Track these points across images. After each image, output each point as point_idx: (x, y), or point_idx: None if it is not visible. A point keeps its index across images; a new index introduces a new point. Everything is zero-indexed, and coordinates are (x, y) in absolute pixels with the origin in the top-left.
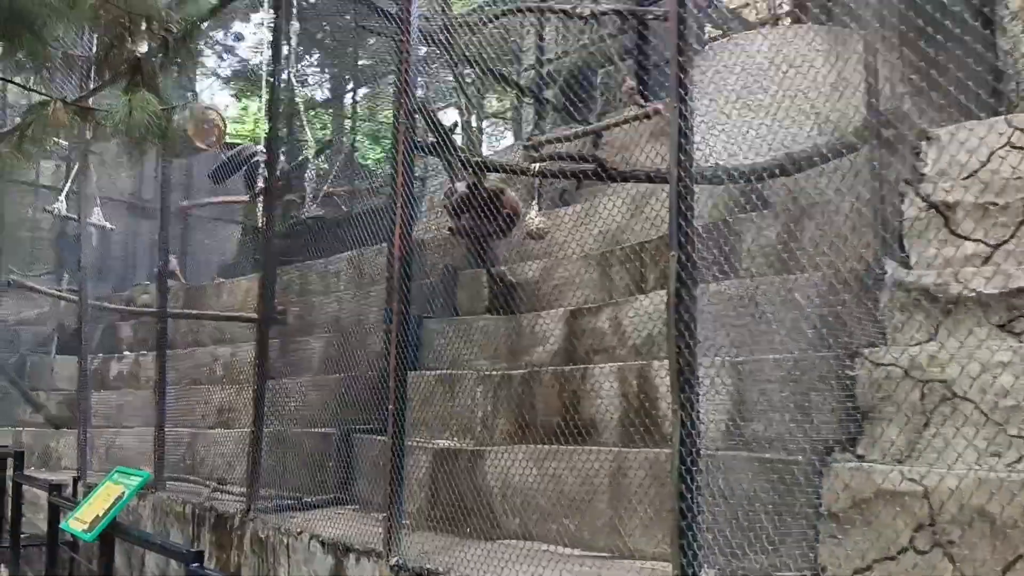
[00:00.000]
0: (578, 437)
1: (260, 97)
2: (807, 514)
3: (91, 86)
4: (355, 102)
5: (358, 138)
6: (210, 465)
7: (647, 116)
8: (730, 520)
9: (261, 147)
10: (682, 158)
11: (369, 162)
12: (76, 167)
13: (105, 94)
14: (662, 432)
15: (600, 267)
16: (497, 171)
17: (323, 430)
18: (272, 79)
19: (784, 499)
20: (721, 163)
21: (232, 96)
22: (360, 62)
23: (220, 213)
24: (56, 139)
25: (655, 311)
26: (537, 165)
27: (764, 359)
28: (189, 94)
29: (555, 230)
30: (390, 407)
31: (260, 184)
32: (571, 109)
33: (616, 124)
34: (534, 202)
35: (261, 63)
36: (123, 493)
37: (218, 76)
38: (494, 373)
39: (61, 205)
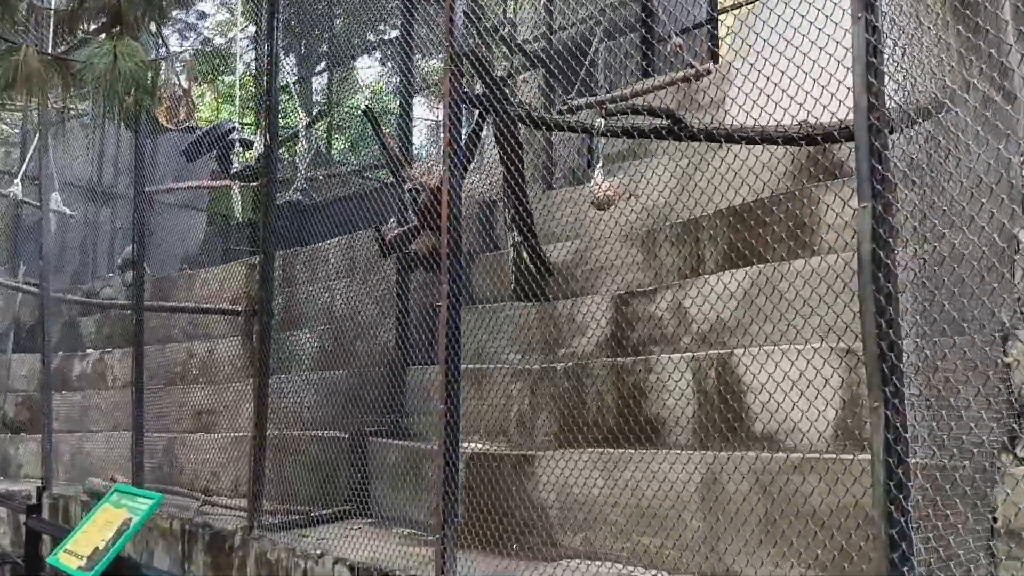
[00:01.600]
0: (641, 438)
1: (222, 78)
2: (978, 531)
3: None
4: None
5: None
6: (191, 473)
7: (698, 76)
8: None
9: (237, 124)
10: (872, 82)
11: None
12: (36, 142)
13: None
14: (751, 432)
15: (645, 247)
16: (555, 128)
17: (327, 433)
18: (269, 49)
19: (953, 513)
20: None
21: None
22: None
23: (186, 200)
24: (23, 95)
25: (726, 293)
26: (602, 121)
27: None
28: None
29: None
30: (441, 407)
31: (236, 165)
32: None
33: (665, 85)
34: (598, 166)
35: (229, 41)
36: (128, 520)
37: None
38: (531, 366)
39: (17, 189)
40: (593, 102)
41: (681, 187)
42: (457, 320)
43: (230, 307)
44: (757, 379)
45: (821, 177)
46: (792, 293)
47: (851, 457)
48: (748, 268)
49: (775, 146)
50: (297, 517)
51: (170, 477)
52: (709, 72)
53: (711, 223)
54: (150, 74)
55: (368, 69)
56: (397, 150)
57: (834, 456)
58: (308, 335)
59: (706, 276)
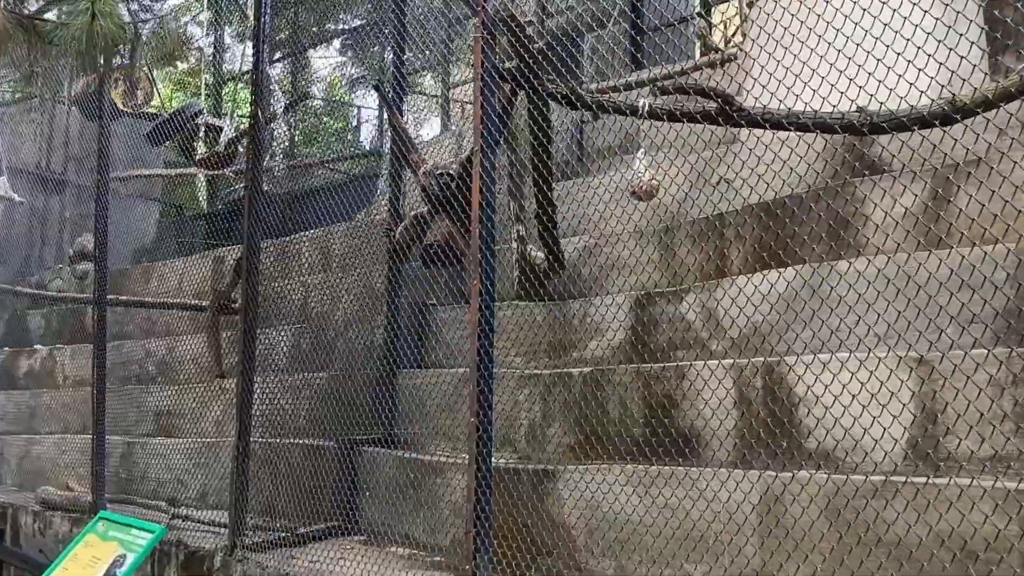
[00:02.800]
0: (674, 452)
1: (177, 64)
2: None
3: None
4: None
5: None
6: (154, 481)
7: (723, 62)
8: None
9: (203, 106)
10: None
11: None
12: None
13: None
14: (804, 448)
15: (662, 245)
16: (595, 109)
17: (311, 441)
18: (256, 14)
19: None
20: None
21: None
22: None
23: (138, 189)
24: None
25: (762, 296)
26: (646, 102)
27: (955, 354)
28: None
29: (599, 204)
30: (472, 420)
31: (203, 150)
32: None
33: (685, 72)
34: (640, 152)
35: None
36: (122, 557)
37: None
38: (541, 371)
39: None
40: (645, 80)
41: (697, 181)
42: (491, 322)
43: (196, 302)
44: (812, 390)
45: (863, 171)
46: (841, 297)
47: (945, 481)
48: (785, 269)
49: (817, 135)
50: (283, 535)
51: (129, 485)
52: (735, 58)
53: (737, 220)
54: (130, 35)
55: (334, 57)
56: (408, 131)
57: (924, 479)
58: (284, 334)
59: (735, 277)
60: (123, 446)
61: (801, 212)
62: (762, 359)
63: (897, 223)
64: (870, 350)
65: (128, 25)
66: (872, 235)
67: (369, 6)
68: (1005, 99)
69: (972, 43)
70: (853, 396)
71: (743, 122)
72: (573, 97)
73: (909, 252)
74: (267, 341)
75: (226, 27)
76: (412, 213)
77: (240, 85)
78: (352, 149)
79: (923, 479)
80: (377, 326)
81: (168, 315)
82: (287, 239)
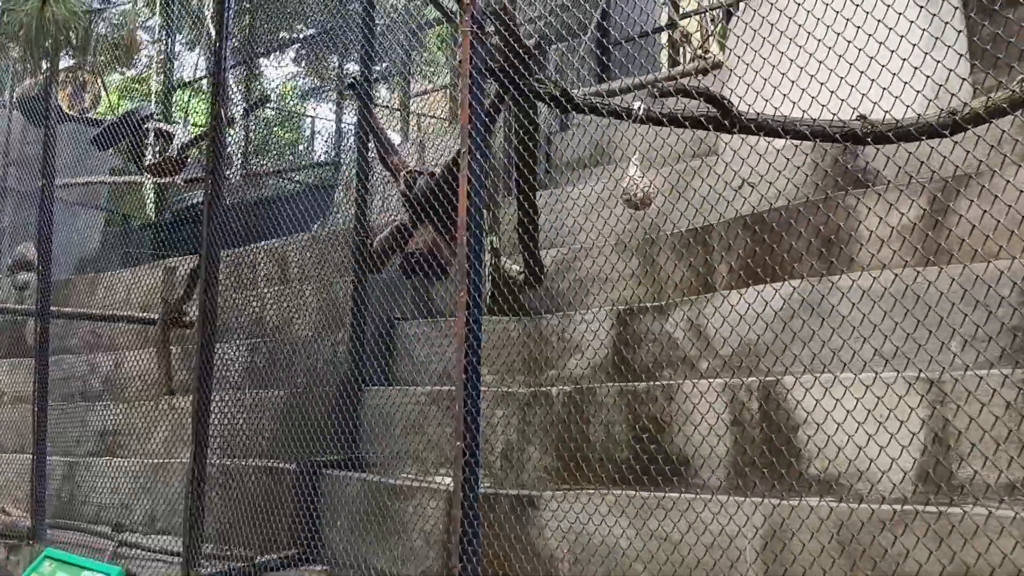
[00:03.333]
0: (663, 478)
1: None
2: None
3: None
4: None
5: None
6: (96, 505)
7: (706, 71)
8: None
9: (154, 110)
10: None
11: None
12: None
13: None
14: (804, 475)
15: (643, 258)
16: (588, 111)
17: (267, 463)
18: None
19: None
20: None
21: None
22: None
23: (84, 197)
24: None
25: (754, 312)
26: (641, 105)
27: (968, 377)
28: None
29: (566, 216)
30: (458, 445)
31: (151, 157)
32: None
33: (674, 78)
34: (633, 159)
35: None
36: None
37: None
38: (517, 390)
39: None
40: (643, 83)
41: (677, 193)
42: (479, 337)
43: (145, 315)
44: (812, 414)
45: (847, 185)
46: (840, 314)
47: (960, 512)
48: (781, 284)
49: (798, 148)
50: (239, 564)
51: (71, 509)
52: (720, 66)
53: (722, 232)
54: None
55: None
56: (385, 134)
57: (937, 511)
58: (239, 349)
59: (725, 292)
60: (64, 467)
61: (790, 225)
62: (757, 379)
63: (903, 237)
64: (876, 373)
65: (83, 13)
66: (867, 249)
67: (330, 14)
68: (1014, 107)
69: (960, 55)
70: (858, 421)
71: (738, 128)
72: (565, 99)
73: (908, 266)
74: (222, 356)
75: (177, 34)
76: (394, 223)
77: (190, 93)
78: (308, 159)
79: (935, 510)
80: (340, 341)
81: (115, 328)
82: (242, 250)
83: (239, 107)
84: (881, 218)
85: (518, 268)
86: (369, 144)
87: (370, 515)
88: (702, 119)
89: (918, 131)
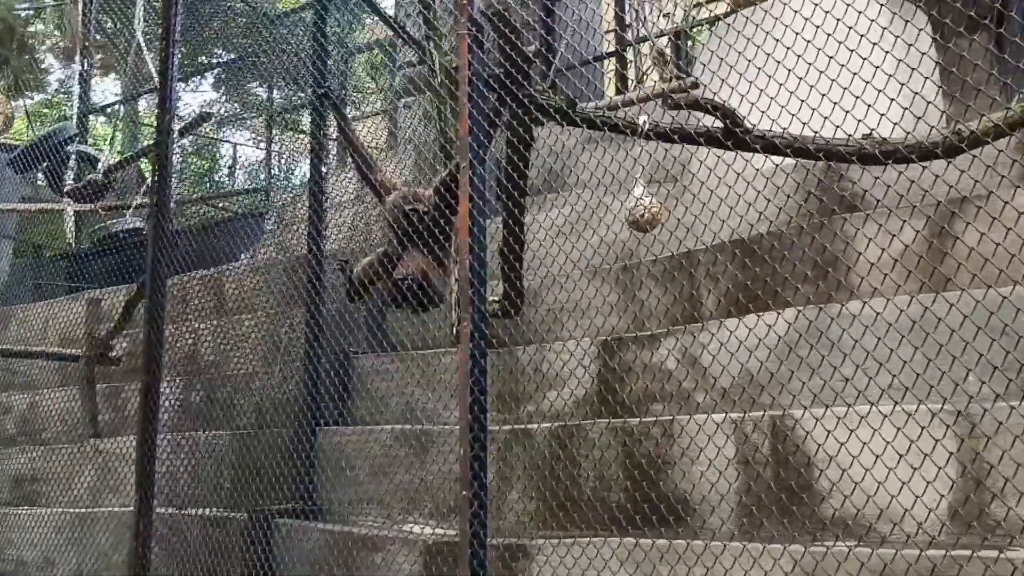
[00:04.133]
0: (663, 521)
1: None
2: None
3: None
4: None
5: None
6: (12, 560)
7: (683, 90)
8: None
9: (76, 131)
10: None
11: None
12: None
13: None
14: (818, 515)
15: (621, 285)
16: (589, 126)
17: (212, 512)
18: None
19: None
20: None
21: None
22: None
23: None
24: None
25: (770, 338)
26: (646, 119)
27: (999, 408)
28: None
29: (531, 242)
30: (465, 495)
31: (71, 182)
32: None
33: (646, 100)
34: (639, 179)
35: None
36: None
37: None
38: (497, 428)
39: None
40: (649, 96)
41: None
42: (485, 372)
43: (66, 351)
44: (825, 448)
45: (835, 207)
46: (846, 343)
47: (995, 555)
48: (778, 312)
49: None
50: None
51: None
52: (696, 86)
53: (708, 258)
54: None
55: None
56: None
57: (969, 553)
58: (174, 385)
59: (718, 320)
60: None
61: (778, 250)
62: (763, 413)
63: (903, 262)
64: (896, 403)
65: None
66: (864, 275)
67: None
68: (1012, 128)
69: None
70: (876, 455)
71: (747, 144)
72: (569, 111)
73: (912, 292)
74: (130, 395)
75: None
76: (379, 250)
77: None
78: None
79: (967, 552)
80: (290, 376)
81: (31, 365)
82: (178, 279)
83: (183, 121)
84: (871, 239)
85: (493, 297)
86: (324, 166)
87: (330, 570)
88: (707, 135)
89: (922, 151)
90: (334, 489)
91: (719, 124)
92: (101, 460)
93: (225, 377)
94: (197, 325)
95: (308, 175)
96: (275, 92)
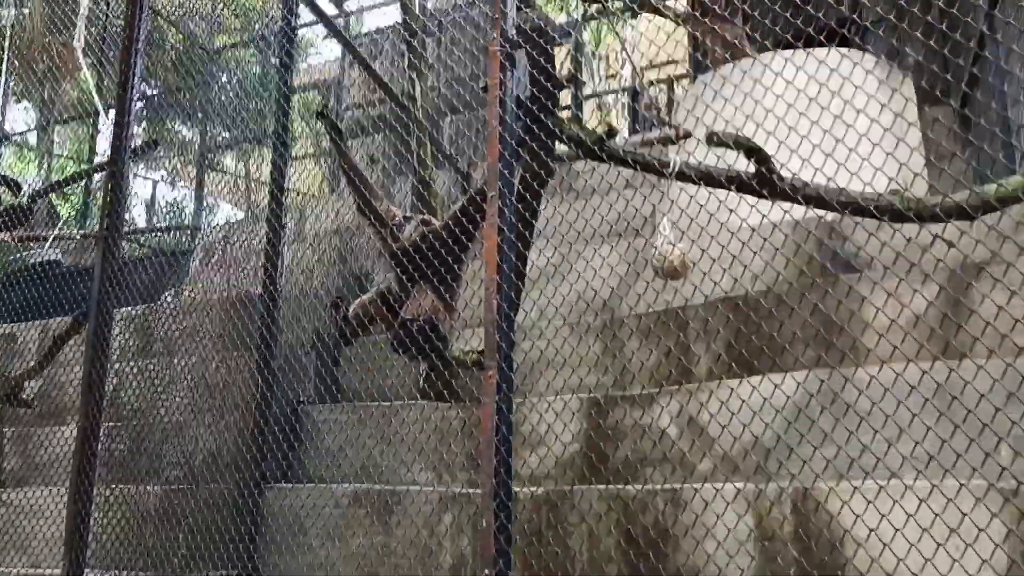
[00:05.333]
0: None
1: None
2: None
3: None
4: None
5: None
6: None
7: (671, 140)
8: None
9: None
10: None
11: None
12: None
13: None
14: None
15: (606, 339)
16: (620, 163)
17: None
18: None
19: None
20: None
21: None
22: None
23: None
24: None
25: (776, 403)
26: (678, 160)
27: None
28: None
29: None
30: (486, 573)
31: None
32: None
33: (650, 142)
34: (664, 220)
35: None
36: None
37: None
38: (471, 491)
39: None
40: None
41: (641, 268)
42: (510, 426)
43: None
44: (864, 520)
45: (838, 269)
46: (864, 407)
47: None
48: (790, 373)
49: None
50: None
51: None
52: (688, 136)
53: (702, 316)
54: None
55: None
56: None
57: None
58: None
59: (719, 379)
60: None
61: (779, 310)
62: (786, 483)
63: (914, 328)
64: (946, 471)
65: None
66: (876, 340)
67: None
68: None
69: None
70: (924, 529)
71: (778, 192)
72: (598, 145)
73: (923, 359)
74: (60, 441)
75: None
76: (379, 286)
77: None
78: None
79: None
80: (232, 426)
81: None
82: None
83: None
84: (879, 306)
85: (468, 348)
86: (286, 197)
87: None
88: (737, 180)
89: (946, 211)
90: (281, 554)
91: (750, 169)
92: (5, 513)
93: (155, 425)
94: (121, 367)
95: (268, 207)
96: (211, 126)
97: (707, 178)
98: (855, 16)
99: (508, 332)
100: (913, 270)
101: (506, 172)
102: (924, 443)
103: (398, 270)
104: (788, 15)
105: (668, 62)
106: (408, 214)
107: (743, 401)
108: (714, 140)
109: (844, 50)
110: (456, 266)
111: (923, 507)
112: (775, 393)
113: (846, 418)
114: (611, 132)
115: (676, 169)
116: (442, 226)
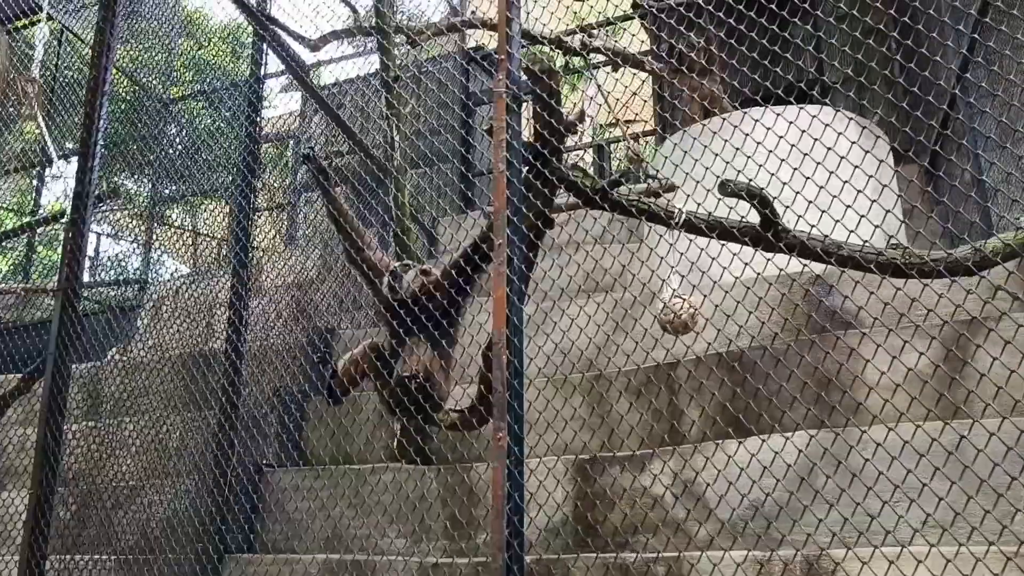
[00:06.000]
0: None
1: None
2: None
3: None
4: None
5: None
6: None
7: (656, 193)
8: None
9: None
10: None
11: None
12: None
13: None
14: None
15: (589, 396)
16: (622, 211)
17: None
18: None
19: None
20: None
21: None
22: None
23: None
24: None
25: (759, 465)
26: (682, 210)
27: None
28: None
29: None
30: None
31: None
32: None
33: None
34: (670, 275)
35: None
36: None
37: None
38: (454, 560)
39: None
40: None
41: (629, 327)
42: (522, 498)
43: None
44: None
45: (825, 323)
46: (871, 473)
47: None
48: (789, 436)
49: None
50: None
51: None
52: (673, 189)
53: (689, 373)
54: None
55: None
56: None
57: None
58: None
59: (715, 442)
60: None
61: (770, 367)
62: (795, 552)
63: (916, 385)
64: (976, 528)
65: None
66: (878, 400)
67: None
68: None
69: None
70: None
71: (781, 243)
72: (601, 195)
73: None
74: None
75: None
76: (368, 341)
77: None
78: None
79: None
80: (189, 492)
81: None
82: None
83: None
84: (869, 361)
85: (451, 407)
86: (252, 247)
87: None
88: (745, 231)
89: (951, 267)
90: None
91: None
92: None
93: (104, 490)
94: (70, 427)
95: (234, 257)
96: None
97: (713, 228)
98: (820, 76)
99: (519, 389)
100: (911, 326)
101: (515, 219)
102: (935, 507)
103: (395, 323)
104: (756, 76)
105: (633, 120)
106: (405, 262)
107: (742, 469)
108: (727, 189)
109: (817, 108)
110: (457, 319)
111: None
112: (775, 458)
113: (850, 481)
114: (614, 182)
115: (682, 219)
116: (443, 274)
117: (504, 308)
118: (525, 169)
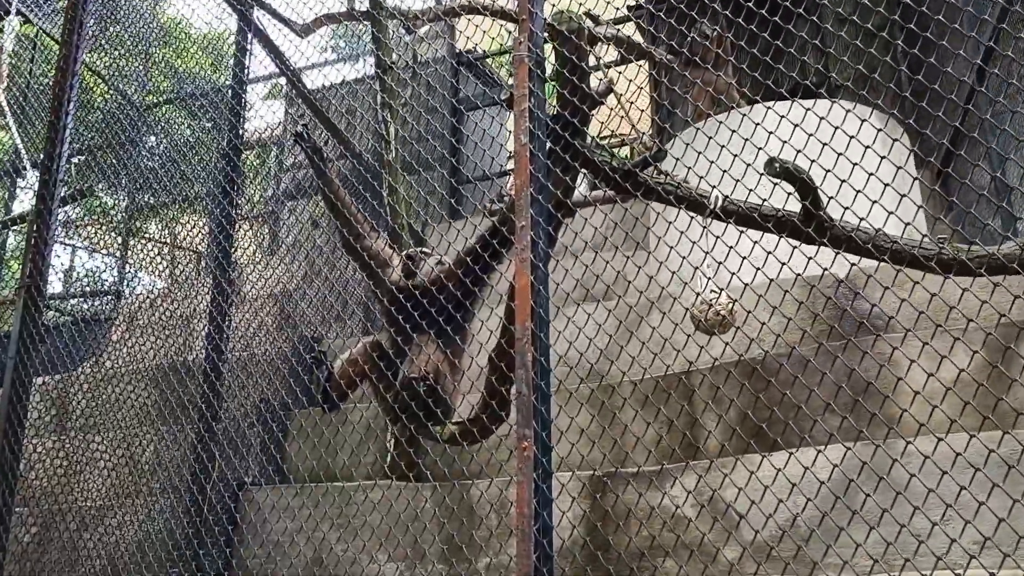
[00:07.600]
0: None
1: None
2: None
3: None
4: None
5: None
6: None
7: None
8: None
9: None
10: None
11: None
12: None
13: None
14: None
15: (596, 407)
16: (654, 196)
17: None
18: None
19: None
20: None
21: None
22: None
23: None
24: None
25: (786, 482)
26: (718, 194)
27: None
28: None
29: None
30: None
31: None
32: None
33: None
34: (704, 264)
35: None
36: None
37: None
38: None
39: None
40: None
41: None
42: (550, 514)
43: None
44: None
45: (850, 331)
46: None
47: None
48: (821, 450)
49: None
50: None
51: None
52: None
53: (707, 382)
54: None
55: None
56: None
57: None
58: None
59: (736, 457)
60: None
61: (795, 374)
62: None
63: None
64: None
65: None
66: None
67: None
68: None
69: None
70: None
71: (825, 234)
72: (629, 177)
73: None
74: None
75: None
76: (368, 339)
77: None
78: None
79: None
80: (161, 512)
81: None
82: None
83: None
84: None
85: (454, 418)
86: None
87: None
88: (783, 221)
89: (993, 264)
90: None
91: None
92: None
93: (68, 510)
94: (30, 441)
95: (215, 265)
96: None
97: (748, 217)
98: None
99: (547, 391)
100: (953, 330)
101: (540, 198)
102: (994, 529)
103: (400, 317)
104: (757, 75)
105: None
106: (423, 249)
107: (766, 486)
108: (774, 168)
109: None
110: (471, 313)
111: None
112: (805, 474)
113: (893, 499)
114: (644, 163)
115: (717, 205)
116: (456, 262)
117: (528, 299)
118: (549, 142)
